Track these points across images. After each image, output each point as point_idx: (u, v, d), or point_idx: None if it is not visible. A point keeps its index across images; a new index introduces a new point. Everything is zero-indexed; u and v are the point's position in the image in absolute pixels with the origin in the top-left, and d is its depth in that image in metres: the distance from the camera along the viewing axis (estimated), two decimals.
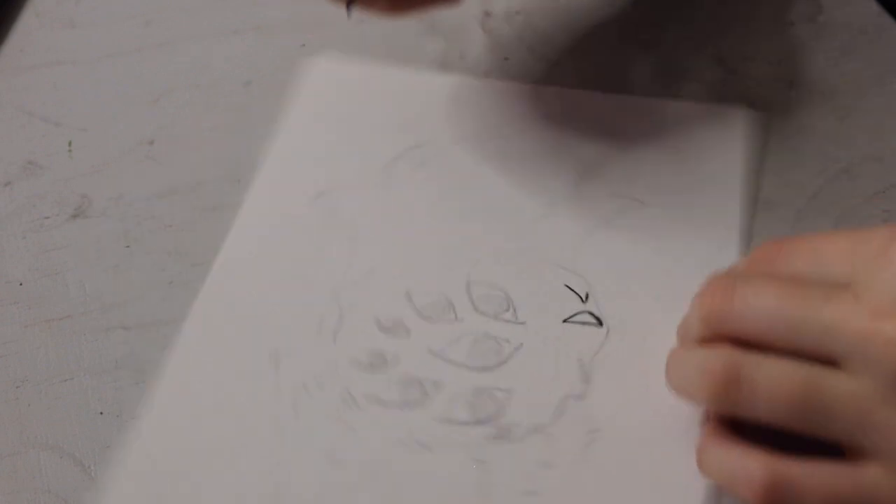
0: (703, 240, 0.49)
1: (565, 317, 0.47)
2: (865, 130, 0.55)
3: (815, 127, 0.55)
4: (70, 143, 0.55)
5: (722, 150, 0.52)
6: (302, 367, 0.46)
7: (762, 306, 0.38)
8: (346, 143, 0.53)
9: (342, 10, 0.61)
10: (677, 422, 0.43)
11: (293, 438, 0.44)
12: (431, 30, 0.60)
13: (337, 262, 0.49)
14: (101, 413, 0.45)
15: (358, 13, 0.48)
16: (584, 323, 0.47)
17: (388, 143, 0.53)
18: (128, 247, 0.51)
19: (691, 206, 0.51)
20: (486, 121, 0.54)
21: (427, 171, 0.52)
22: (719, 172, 0.51)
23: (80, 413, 0.45)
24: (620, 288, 0.48)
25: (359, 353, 0.46)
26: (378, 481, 0.42)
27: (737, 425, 0.40)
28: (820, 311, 0.37)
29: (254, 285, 0.48)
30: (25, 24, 0.61)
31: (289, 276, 0.48)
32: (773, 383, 0.37)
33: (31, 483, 0.43)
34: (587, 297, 0.48)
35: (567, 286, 0.48)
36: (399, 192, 0.51)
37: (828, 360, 0.37)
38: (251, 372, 0.45)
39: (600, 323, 0.47)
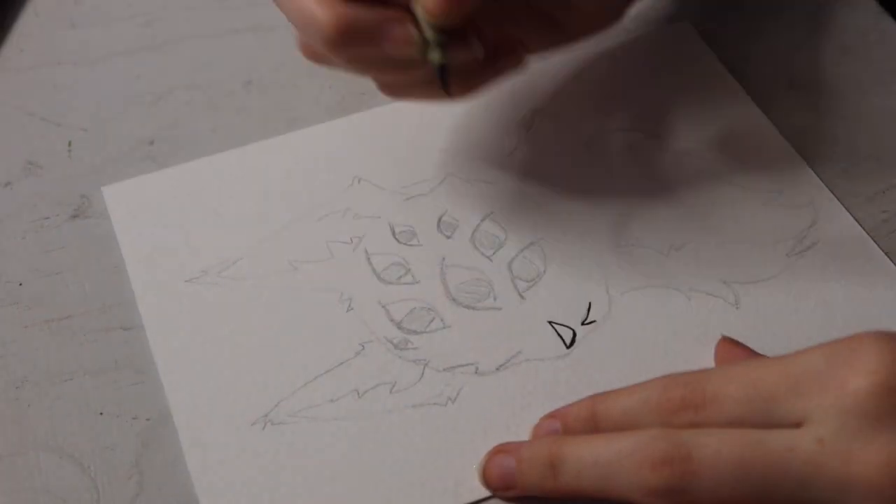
0: None
1: (556, 320, 0.48)
2: (865, 130, 0.55)
3: (814, 127, 0.55)
4: (70, 144, 0.55)
5: (868, 315, 0.47)
6: (364, 198, 0.51)
7: (726, 471, 0.36)
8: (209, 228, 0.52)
9: None
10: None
11: (294, 228, 0.50)
12: None
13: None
14: (101, 413, 0.45)
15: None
16: (559, 335, 0.47)
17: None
18: None
19: (778, 343, 0.46)
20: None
21: None
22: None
23: (80, 413, 0.45)
24: (620, 342, 0.47)
25: (403, 221, 0.51)
26: (293, 300, 0.48)
27: None
28: (790, 464, 0.36)
29: None
30: (25, 24, 0.61)
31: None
32: None
33: (30, 483, 0.43)
34: (590, 322, 0.48)
35: (589, 303, 0.48)
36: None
37: None
38: (330, 179, 0.52)
39: (570, 345, 0.47)
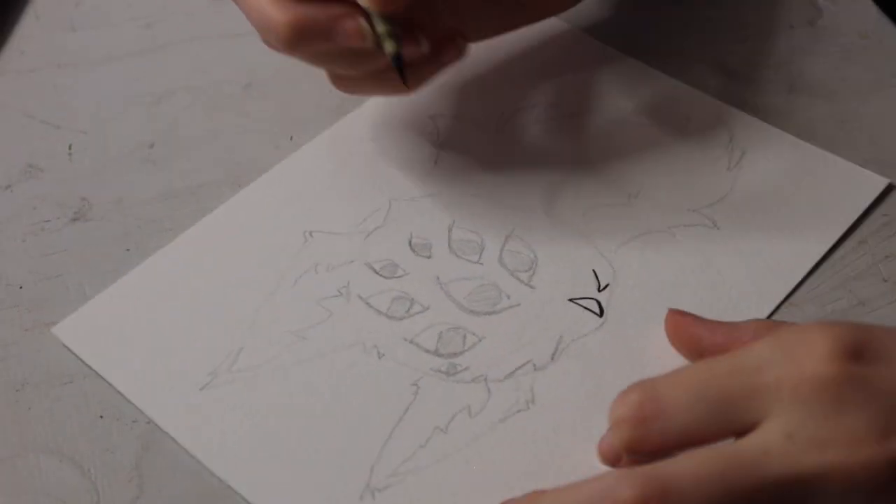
0: (753, 286, 0.48)
1: (574, 297, 0.48)
2: (865, 134, 0.55)
3: (815, 131, 0.55)
4: (70, 146, 0.55)
5: (837, 209, 0.51)
6: (326, 249, 0.50)
7: (708, 495, 0.35)
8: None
9: None
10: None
11: (277, 302, 0.48)
12: None
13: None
14: (101, 416, 0.45)
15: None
16: (586, 308, 0.48)
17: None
18: (128, 250, 0.51)
19: (762, 247, 0.50)
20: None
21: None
22: (820, 224, 0.51)
23: (81, 416, 0.45)
24: (643, 294, 0.48)
25: (379, 257, 0.50)
26: (323, 368, 0.46)
27: None
28: (766, 469, 0.35)
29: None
30: (26, 27, 0.61)
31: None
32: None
33: (30, 486, 0.43)
34: (605, 287, 0.49)
35: (594, 271, 0.49)
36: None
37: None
38: (282, 243, 0.50)
39: (601, 313, 0.48)
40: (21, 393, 0.46)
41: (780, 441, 0.35)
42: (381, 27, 0.45)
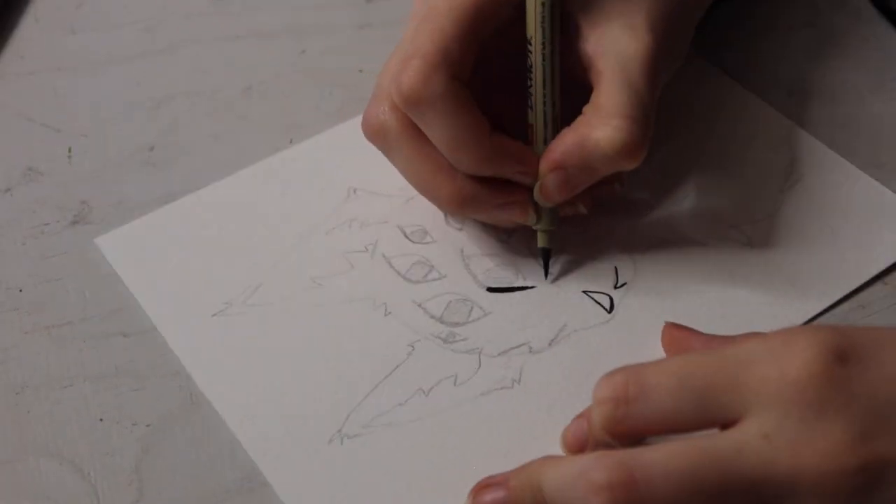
0: (770, 309, 0.48)
1: (589, 289, 0.49)
2: (865, 136, 0.55)
3: (814, 134, 0.55)
4: (70, 150, 0.55)
5: (879, 247, 0.50)
6: (366, 207, 0.52)
7: (678, 487, 0.35)
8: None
9: (341, 17, 0.61)
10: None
11: (305, 247, 0.50)
12: None
13: None
14: (101, 420, 0.45)
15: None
16: (597, 302, 0.48)
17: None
18: None
19: (790, 273, 0.49)
20: None
21: None
22: (857, 258, 0.50)
23: (80, 419, 0.45)
24: (657, 298, 0.49)
25: (412, 222, 0.51)
26: (330, 315, 0.48)
27: None
28: (740, 467, 0.35)
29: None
30: (25, 30, 0.61)
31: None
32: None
33: (30, 489, 0.43)
34: (622, 285, 0.49)
35: (615, 267, 0.50)
36: None
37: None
38: (326, 195, 0.52)
39: (610, 309, 0.48)
40: (21, 396, 0.46)
41: (757, 440, 0.36)
42: (542, 223, 0.48)
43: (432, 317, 0.48)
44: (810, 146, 0.54)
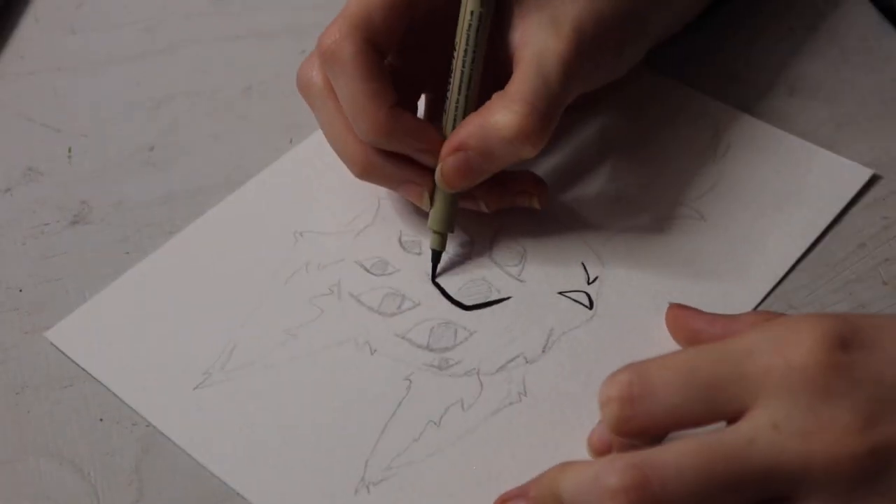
0: (740, 278, 0.49)
1: (564, 290, 0.49)
2: (865, 137, 0.55)
3: (815, 134, 0.55)
4: (70, 150, 0.55)
5: (823, 200, 0.52)
6: (316, 248, 0.50)
7: (691, 484, 0.36)
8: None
9: None
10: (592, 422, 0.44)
11: (268, 301, 0.48)
12: None
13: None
14: (101, 420, 0.45)
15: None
16: (576, 301, 0.48)
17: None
18: (127, 253, 0.51)
19: (749, 239, 0.50)
20: None
21: None
22: (808, 212, 0.51)
23: (80, 419, 0.45)
24: (632, 286, 0.49)
25: (369, 255, 0.50)
26: (316, 365, 0.46)
27: None
28: (751, 460, 0.36)
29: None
30: (25, 30, 0.61)
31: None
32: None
33: (30, 490, 0.43)
34: (594, 280, 0.49)
35: (582, 264, 0.50)
36: None
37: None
38: (273, 244, 0.51)
39: (591, 306, 0.48)
40: (21, 396, 0.46)
41: (766, 431, 0.36)
42: (435, 222, 0.49)
43: (419, 346, 0.47)
44: (730, 115, 0.56)
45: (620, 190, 0.53)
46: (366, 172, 0.48)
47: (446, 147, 0.47)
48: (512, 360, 0.47)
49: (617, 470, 0.36)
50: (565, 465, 0.39)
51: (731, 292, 0.48)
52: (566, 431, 0.44)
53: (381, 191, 0.52)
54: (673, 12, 0.54)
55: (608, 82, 0.51)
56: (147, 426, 0.45)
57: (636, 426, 0.37)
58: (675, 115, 0.56)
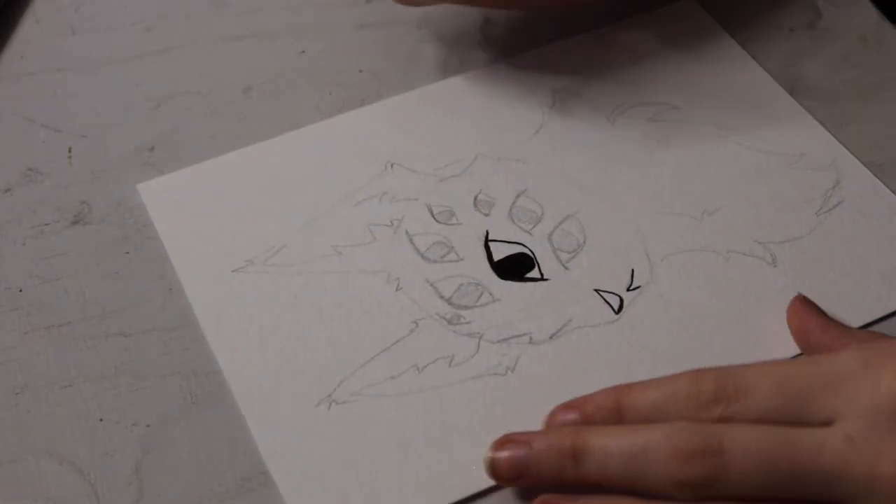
0: (781, 330, 0.47)
1: (602, 288, 0.49)
2: (865, 137, 0.55)
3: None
4: (70, 150, 0.55)
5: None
6: (399, 182, 0.53)
7: (755, 466, 0.37)
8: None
9: (341, 17, 0.61)
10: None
11: (333, 215, 0.51)
12: (432, 36, 0.60)
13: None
14: (101, 420, 0.45)
15: None
16: (606, 301, 0.49)
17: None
18: (127, 253, 0.51)
19: (813, 298, 0.47)
20: None
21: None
22: (882, 292, 0.48)
23: (80, 420, 0.45)
24: (667, 306, 0.48)
25: (441, 202, 0.52)
26: (342, 284, 0.49)
27: None
28: (817, 460, 0.37)
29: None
30: (25, 31, 0.61)
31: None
32: None
33: (30, 490, 0.43)
34: (635, 288, 0.49)
35: (632, 269, 0.50)
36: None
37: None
38: (363, 167, 0.53)
39: (618, 311, 0.48)
40: (21, 396, 0.46)
41: (839, 440, 0.37)
42: None
43: (441, 297, 0.48)
44: (856, 172, 0.53)
45: (708, 212, 0.51)
46: None
47: None
48: (517, 336, 0.47)
49: (695, 431, 0.37)
50: (587, 428, 0.40)
51: (763, 341, 0.47)
52: (536, 416, 0.44)
53: (483, 148, 0.54)
54: None
55: None
56: (147, 426, 0.45)
57: (723, 418, 0.39)
58: (801, 155, 0.54)
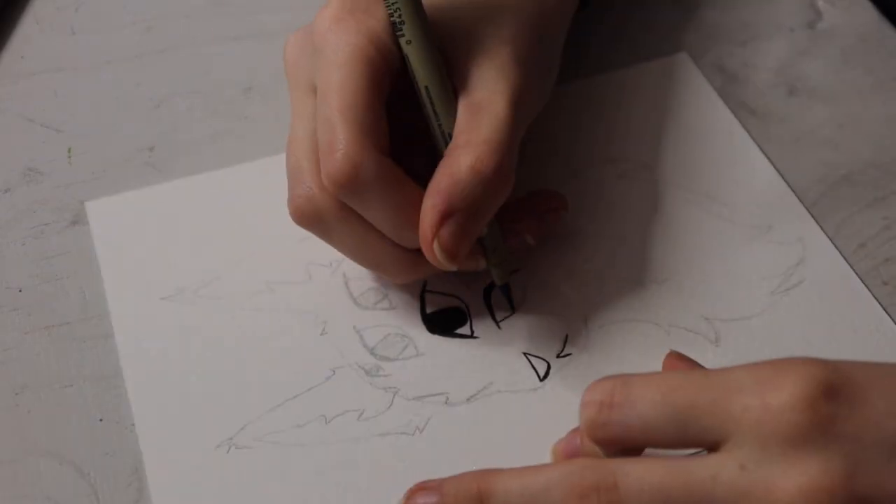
0: None
1: (530, 352, 0.47)
2: (865, 137, 0.55)
3: (814, 134, 0.55)
4: (70, 150, 0.55)
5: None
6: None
7: (650, 499, 0.36)
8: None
9: None
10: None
11: (273, 250, 0.50)
12: None
13: None
14: (101, 420, 0.45)
15: None
16: (533, 367, 0.47)
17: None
18: None
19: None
20: None
21: None
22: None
23: (80, 420, 0.45)
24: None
25: None
26: (267, 322, 0.48)
27: None
28: (713, 493, 0.35)
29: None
30: (25, 31, 0.61)
31: None
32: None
33: (30, 490, 0.43)
34: (566, 355, 0.47)
35: (566, 335, 0.48)
36: None
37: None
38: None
39: (542, 378, 0.46)
40: (21, 396, 0.46)
41: (732, 470, 0.35)
42: (492, 259, 0.46)
43: (365, 346, 0.47)
44: (823, 250, 0.50)
45: (658, 282, 0.49)
46: (416, 274, 0.46)
47: (429, 220, 0.43)
48: (433, 395, 0.46)
49: (590, 468, 0.37)
50: (495, 470, 0.39)
51: None
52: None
53: None
54: (563, 24, 0.51)
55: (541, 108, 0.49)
56: None
57: (610, 433, 0.38)
58: (769, 227, 0.51)
